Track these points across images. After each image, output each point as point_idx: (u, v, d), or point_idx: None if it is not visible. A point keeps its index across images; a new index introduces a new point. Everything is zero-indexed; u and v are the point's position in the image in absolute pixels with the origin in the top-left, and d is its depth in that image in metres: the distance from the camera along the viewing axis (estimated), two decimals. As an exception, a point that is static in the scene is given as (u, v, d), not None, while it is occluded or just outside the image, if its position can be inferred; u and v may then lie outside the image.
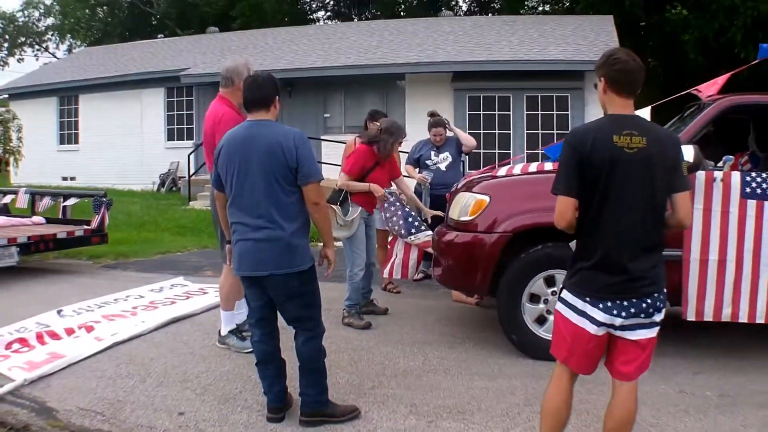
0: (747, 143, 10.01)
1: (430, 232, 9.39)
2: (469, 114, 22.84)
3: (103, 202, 12.93)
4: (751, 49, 22.35)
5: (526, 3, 41.19)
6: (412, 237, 9.91)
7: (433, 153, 11.36)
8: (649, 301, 4.58)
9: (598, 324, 4.61)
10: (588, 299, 4.64)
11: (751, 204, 7.35)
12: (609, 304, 4.57)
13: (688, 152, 7.25)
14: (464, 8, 49.77)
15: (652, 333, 4.69)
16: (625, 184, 4.51)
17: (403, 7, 48.24)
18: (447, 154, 11.31)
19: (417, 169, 11.51)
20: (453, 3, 48.71)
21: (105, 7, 52.28)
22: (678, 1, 31.40)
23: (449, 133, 11.54)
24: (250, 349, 6.73)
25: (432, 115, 11.37)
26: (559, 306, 4.81)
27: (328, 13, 52.57)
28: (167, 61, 29.30)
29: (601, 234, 4.60)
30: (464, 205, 7.86)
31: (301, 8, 50.24)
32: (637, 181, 4.51)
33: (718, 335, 8.46)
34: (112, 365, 7.33)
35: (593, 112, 21.26)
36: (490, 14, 43.32)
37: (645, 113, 9.41)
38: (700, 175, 7.30)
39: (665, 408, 6.46)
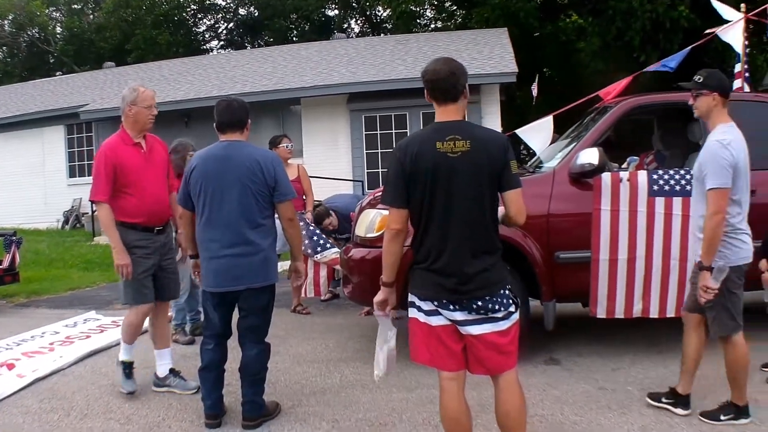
0: (652, 143, 10.20)
1: (336, 250, 9.44)
2: (365, 134, 22.92)
3: (13, 240, 12.62)
4: (650, 52, 22.92)
5: (418, 21, 41.31)
6: (319, 256, 9.97)
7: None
8: (480, 303, 4.66)
9: (442, 318, 4.73)
10: (428, 298, 4.74)
11: (660, 201, 7.48)
12: (445, 301, 4.68)
13: (593, 155, 7.39)
14: (357, 30, 50.03)
15: (499, 327, 4.74)
16: (452, 188, 4.59)
17: (295, 32, 48.31)
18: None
19: None
20: (345, 26, 48.90)
21: (4, 48, 51.44)
22: (573, 9, 31.84)
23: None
24: (194, 390, 7.00)
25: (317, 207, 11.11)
26: (410, 310, 4.88)
27: (222, 43, 52.44)
28: (66, 98, 28.88)
29: (433, 238, 4.69)
30: (370, 222, 7.91)
31: (195, 39, 50.02)
32: (464, 184, 4.58)
33: (633, 331, 8.58)
34: (36, 401, 7.24)
35: (490, 125, 21.37)
36: (382, 35, 43.50)
37: (547, 122, 9.55)
38: (606, 176, 7.42)
39: (587, 405, 6.55)
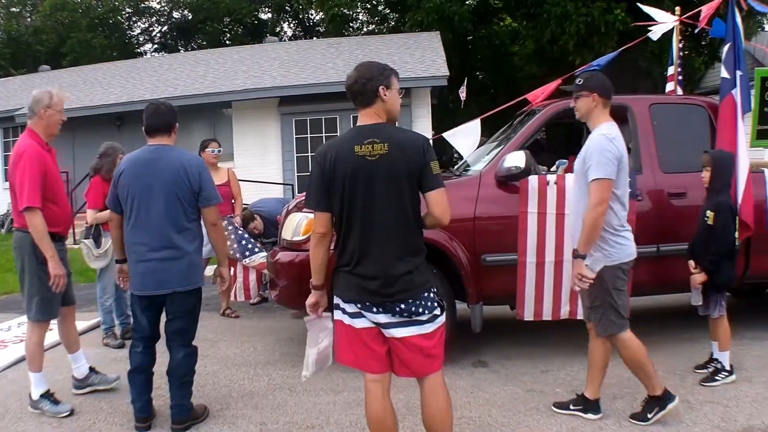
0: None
1: (265, 254, 9.38)
2: (296, 138, 22.90)
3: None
4: (585, 55, 22.89)
5: (350, 25, 41.28)
6: (248, 260, 9.92)
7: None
8: (403, 306, 4.66)
9: (365, 320, 4.74)
10: (351, 301, 4.75)
11: None
12: (368, 304, 4.69)
13: (519, 158, 7.40)
14: (289, 33, 49.92)
15: (424, 330, 4.76)
16: (371, 191, 4.62)
17: (228, 36, 48.05)
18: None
19: None
20: (278, 29, 48.76)
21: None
22: (507, 13, 31.92)
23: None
24: (66, 413, 6.76)
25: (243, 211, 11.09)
26: (335, 312, 4.91)
27: (155, 46, 52.03)
28: (2, 102, 28.41)
29: (355, 241, 4.71)
30: (296, 225, 7.87)
31: (130, 42, 49.58)
32: (383, 187, 4.61)
33: (562, 333, 8.61)
34: (-31, 405, 7.13)
35: (420, 128, 21.53)
36: (315, 38, 43.43)
37: (475, 125, 9.52)
38: (533, 179, 7.41)
39: (515, 407, 6.58)
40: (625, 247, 5.97)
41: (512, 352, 8.08)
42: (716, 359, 7.35)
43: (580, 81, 6.11)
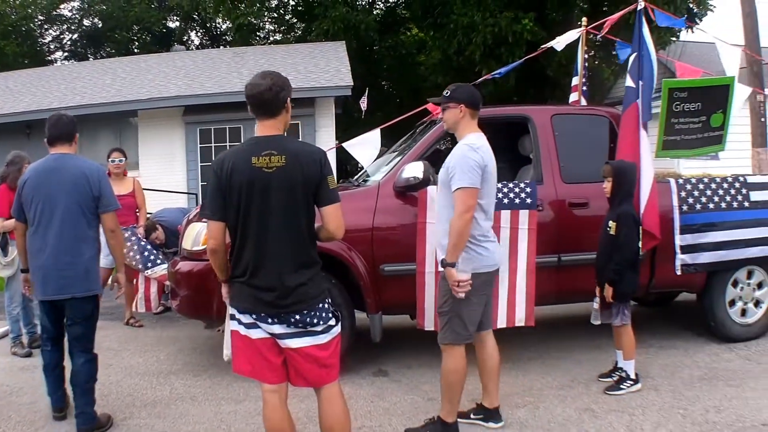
0: None
1: (167, 265, 9.30)
2: (200, 147, 22.68)
3: None
4: (492, 65, 22.77)
5: (257, 34, 41.08)
6: (150, 271, 9.84)
7: None
8: (298, 316, 4.67)
9: (261, 331, 4.74)
10: (246, 311, 4.75)
11: (505, 215, 7.55)
12: (263, 315, 4.69)
13: (417, 168, 7.39)
14: (197, 42, 49.52)
15: (319, 340, 4.79)
16: (267, 202, 4.61)
17: (137, 44, 47.51)
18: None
19: None
20: (185, 38, 48.32)
21: None
22: (414, 23, 31.95)
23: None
24: None
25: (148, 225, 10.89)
26: (231, 323, 4.92)
27: (66, 54, 51.18)
28: None
29: (250, 252, 4.70)
30: (196, 235, 7.81)
31: (41, 50, 48.71)
32: (279, 199, 4.61)
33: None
34: None
35: (324, 138, 21.56)
36: (221, 47, 43.16)
37: (375, 135, 9.50)
38: (431, 190, 7.35)
39: (415, 416, 6.60)
40: (484, 257, 5.88)
41: (413, 362, 8.10)
42: (621, 368, 7.39)
43: (447, 92, 6.09)
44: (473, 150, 5.76)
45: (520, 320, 7.71)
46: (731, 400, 6.92)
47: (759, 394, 7.06)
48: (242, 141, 21.10)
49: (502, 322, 7.60)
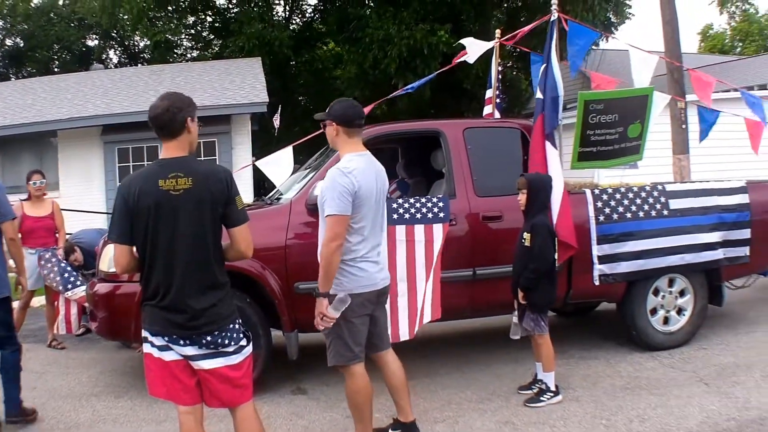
0: (396, 171, 10.18)
1: (86, 287, 9.23)
2: (119, 166, 22.46)
3: None
4: (408, 78, 22.83)
5: (175, 51, 40.75)
6: (70, 293, 9.76)
7: None
8: (209, 338, 4.66)
9: (173, 353, 4.72)
10: (158, 334, 4.72)
11: (400, 229, 7.43)
12: (175, 337, 4.66)
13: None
14: (115, 60, 49.08)
15: (231, 361, 4.78)
16: (175, 225, 4.58)
17: (57, 63, 46.94)
18: None
19: None
20: (104, 56, 47.86)
21: None
22: (330, 37, 31.88)
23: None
24: None
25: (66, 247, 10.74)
26: (144, 346, 4.86)
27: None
28: None
29: (159, 275, 4.65)
30: (112, 257, 7.71)
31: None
32: (187, 222, 4.58)
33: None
34: None
35: (241, 155, 21.56)
36: (139, 65, 42.79)
37: (287, 153, 9.45)
38: None
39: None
40: (359, 278, 5.71)
41: (331, 379, 7.93)
42: (541, 380, 7.33)
43: (328, 109, 5.93)
44: (343, 174, 5.60)
45: (426, 316, 7.42)
46: (655, 409, 6.90)
47: (684, 402, 7.05)
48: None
49: (404, 335, 7.41)
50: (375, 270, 5.84)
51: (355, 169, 5.63)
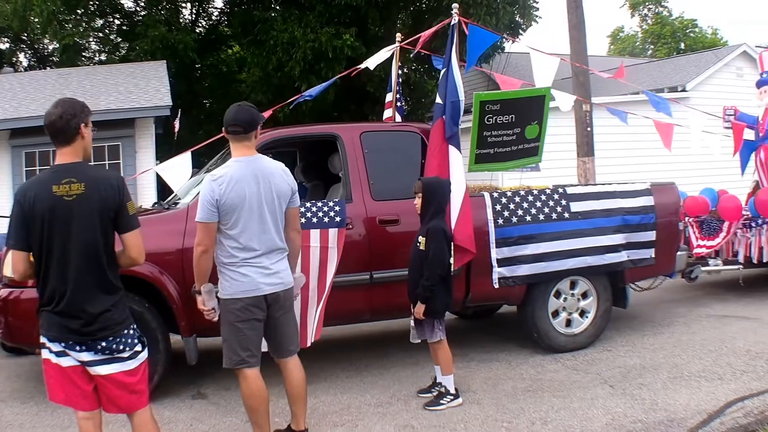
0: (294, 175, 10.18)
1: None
2: (26, 170, 21.92)
3: None
4: (312, 81, 22.61)
5: (83, 54, 40.11)
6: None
7: None
8: (104, 344, 4.73)
9: (70, 359, 4.76)
10: (55, 340, 4.75)
11: (315, 234, 7.51)
12: (71, 342, 4.71)
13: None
14: (25, 64, 48.20)
15: (126, 367, 4.84)
16: (68, 230, 4.63)
17: (-31, 67, 46.02)
18: None
19: None
20: (15, 59, 46.99)
21: None
22: (235, 40, 31.59)
23: None
24: None
25: None
26: (43, 351, 4.89)
27: None
28: None
29: (54, 281, 4.70)
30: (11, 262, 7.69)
31: None
32: (79, 227, 4.64)
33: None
34: None
35: (145, 158, 21.36)
36: (49, 68, 42.09)
37: (186, 158, 9.28)
38: None
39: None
40: (239, 283, 5.81)
41: (232, 383, 7.81)
42: (440, 383, 7.39)
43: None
44: (210, 182, 5.75)
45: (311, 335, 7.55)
46: (558, 411, 6.95)
47: (587, 404, 7.11)
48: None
49: (310, 341, 7.50)
50: (259, 276, 5.87)
51: (222, 176, 5.75)
